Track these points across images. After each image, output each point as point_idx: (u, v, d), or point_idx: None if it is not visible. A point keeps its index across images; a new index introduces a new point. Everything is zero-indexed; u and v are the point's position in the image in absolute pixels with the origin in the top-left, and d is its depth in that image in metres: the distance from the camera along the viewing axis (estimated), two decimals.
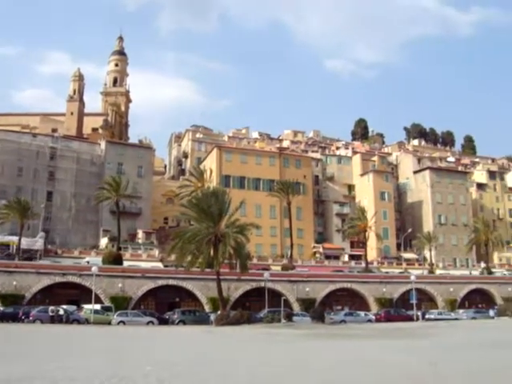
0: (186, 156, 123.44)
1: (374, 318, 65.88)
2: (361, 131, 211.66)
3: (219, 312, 56.61)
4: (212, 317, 56.19)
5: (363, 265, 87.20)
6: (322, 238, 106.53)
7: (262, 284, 64.40)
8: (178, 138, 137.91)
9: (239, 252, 57.81)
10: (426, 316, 68.93)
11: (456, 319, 68.38)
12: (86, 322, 51.63)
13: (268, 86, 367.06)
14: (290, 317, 59.45)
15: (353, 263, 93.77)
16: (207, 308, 62.98)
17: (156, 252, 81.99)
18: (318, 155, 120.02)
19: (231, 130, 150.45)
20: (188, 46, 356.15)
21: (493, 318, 73.05)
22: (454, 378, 16.40)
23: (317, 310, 63.22)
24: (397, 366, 20.20)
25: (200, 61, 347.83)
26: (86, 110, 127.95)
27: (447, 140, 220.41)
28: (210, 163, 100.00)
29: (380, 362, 21.74)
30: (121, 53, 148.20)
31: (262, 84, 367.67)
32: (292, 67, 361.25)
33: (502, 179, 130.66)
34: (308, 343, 33.51)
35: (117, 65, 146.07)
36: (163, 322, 56.04)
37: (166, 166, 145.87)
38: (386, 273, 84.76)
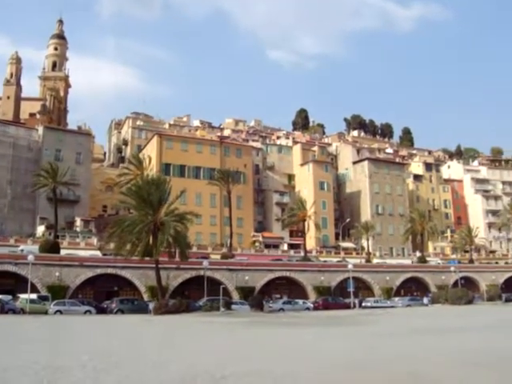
0: (125, 143, 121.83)
1: (312, 306, 66.86)
2: (302, 121, 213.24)
3: (158, 301, 56.37)
4: (151, 306, 55.86)
5: (302, 254, 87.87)
6: (261, 226, 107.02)
7: (202, 272, 64.27)
8: (118, 125, 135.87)
9: (179, 240, 57.68)
10: (363, 304, 70.28)
11: (392, 307, 69.93)
12: (22, 311, 50.60)
13: (210, 75, 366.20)
14: (228, 305, 59.72)
15: (292, 252, 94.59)
16: (146, 297, 62.52)
17: (94, 240, 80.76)
18: (258, 144, 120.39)
19: (172, 118, 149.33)
20: (130, 32, 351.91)
21: (427, 305, 75.05)
22: (390, 362, 16.82)
23: (255, 299, 63.67)
24: (334, 352, 20.54)
25: (142, 47, 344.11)
26: (24, 95, 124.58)
27: (386, 132, 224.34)
28: (151, 151, 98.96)
29: (317, 349, 22.10)
30: (60, 36, 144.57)
31: (205, 72, 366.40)
32: (235, 56, 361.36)
33: (438, 171, 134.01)
34: (246, 331, 33.74)
35: (56, 49, 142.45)
36: (101, 311, 55.43)
37: (105, 154, 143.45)
38: (325, 262, 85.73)
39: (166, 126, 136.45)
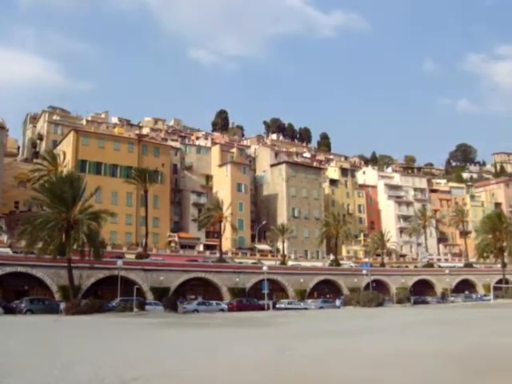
0: (41, 138, 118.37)
1: (226, 307, 66.92)
2: (221, 122, 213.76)
3: (70, 301, 55.10)
4: (62, 306, 54.51)
5: (218, 255, 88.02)
6: (177, 227, 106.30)
7: (116, 272, 63.19)
8: (34, 119, 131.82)
9: (92, 239, 56.68)
10: (277, 305, 71.01)
11: (305, 308, 70.92)
12: None
13: (131, 72, 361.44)
14: (142, 306, 59.10)
15: (208, 253, 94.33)
16: (58, 296, 61.02)
17: (5, 237, 78.09)
18: (177, 144, 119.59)
19: (90, 114, 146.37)
20: (50, 25, 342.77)
21: (339, 307, 76.46)
22: (300, 362, 17.02)
23: (169, 299, 63.17)
24: (244, 353, 20.60)
25: (63, 41, 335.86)
26: None
27: (304, 136, 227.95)
28: (66, 147, 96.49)
29: (228, 350, 22.12)
30: None
31: (126, 69, 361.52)
32: (157, 54, 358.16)
33: (353, 176, 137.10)
34: (158, 332, 33.42)
35: None
36: (10, 311, 53.54)
37: (19, 148, 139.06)
38: (240, 263, 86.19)
39: (84, 121, 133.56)
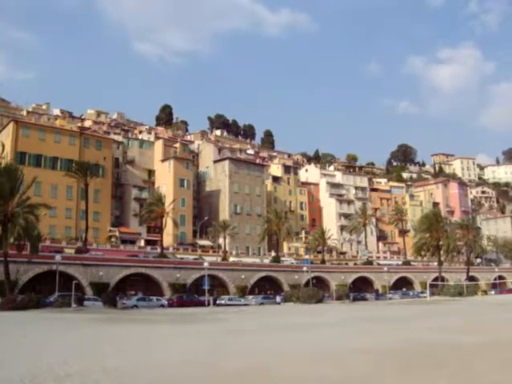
0: None
1: (166, 303, 66.66)
2: (165, 117, 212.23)
3: (5, 296, 53.90)
4: None
5: (159, 250, 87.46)
6: (118, 221, 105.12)
7: (54, 267, 62.18)
8: None
9: (29, 233, 55.52)
10: (217, 301, 71.12)
11: (245, 305, 71.24)
12: None
13: (74, 63, 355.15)
14: (80, 301, 58.39)
15: (148, 248, 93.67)
16: None
17: None
18: (120, 138, 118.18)
19: (31, 105, 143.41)
20: None
21: (279, 303, 77.09)
22: (236, 358, 17.11)
23: (109, 295, 62.57)
24: (182, 349, 20.59)
25: (3, 28, 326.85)
26: None
27: (248, 133, 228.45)
28: (5, 138, 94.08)
29: (166, 346, 22.06)
30: None
31: (68, 60, 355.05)
32: (101, 45, 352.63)
33: (296, 174, 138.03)
34: (95, 328, 33.05)
35: None
36: None
37: None
38: (181, 259, 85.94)
39: (24, 112, 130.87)
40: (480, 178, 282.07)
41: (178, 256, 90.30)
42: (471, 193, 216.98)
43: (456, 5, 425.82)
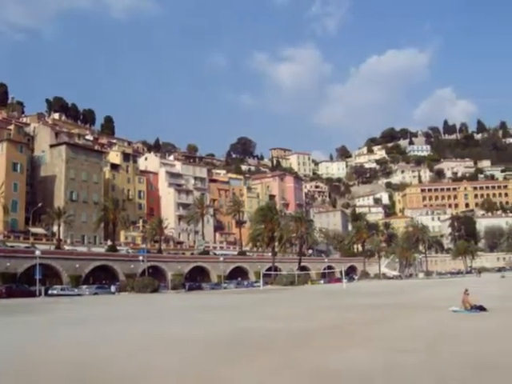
0: None
1: None
2: (0, 97, 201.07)
3: None
4: None
5: None
6: None
7: None
8: None
9: None
10: (49, 291, 68.98)
11: (79, 295, 69.76)
12: None
13: None
14: None
15: None
16: None
17: None
18: None
19: None
20: None
21: (114, 293, 76.29)
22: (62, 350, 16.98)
23: None
24: (4, 342, 20.07)
25: None
26: None
27: (88, 118, 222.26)
28: None
29: None
30: None
31: None
32: None
33: (135, 162, 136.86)
34: None
35: None
36: None
37: None
38: (12, 247, 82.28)
39: None
40: (314, 173, 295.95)
41: (9, 244, 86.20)
42: (306, 187, 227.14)
43: (300, 6, 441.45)
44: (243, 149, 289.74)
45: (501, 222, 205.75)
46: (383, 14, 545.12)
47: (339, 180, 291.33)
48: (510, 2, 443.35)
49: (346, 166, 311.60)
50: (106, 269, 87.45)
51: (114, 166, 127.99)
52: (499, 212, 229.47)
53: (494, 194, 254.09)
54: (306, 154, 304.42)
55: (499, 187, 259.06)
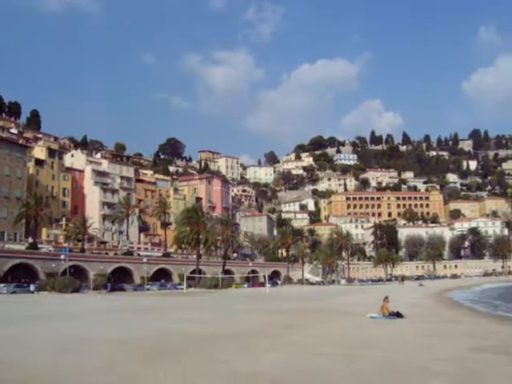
0: None
1: None
2: None
3: None
4: None
5: None
6: None
7: None
8: None
9: None
10: None
11: None
12: None
13: None
14: None
15: None
16: None
17: None
18: None
19: None
20: None
21: (33, 292, 74.61)
22: None
23: None
24: None
25: None
26: None
27: (14, 111, 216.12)
28: None
29: None
30: None
31: None
32: None
33: (61, 158, 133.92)
34: None
35: None
36: None
37: None
38: None
39: None
40: (242, 177, 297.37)
41: None
42: (233, 191, 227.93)
43: (235, 11, 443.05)
44: (172, 150, 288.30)
45: (421, 231, 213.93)
46: (317, 24, 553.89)
47: (266, 185, 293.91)
48: (433, 24, 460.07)
49: (274, 171, 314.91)
50: (25, 267, 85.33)
51: (39, 162, 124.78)
52: (420, 222, 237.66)
53: (416, 205, 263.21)
54: (235, 157, 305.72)
55: (421, 198, 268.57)
